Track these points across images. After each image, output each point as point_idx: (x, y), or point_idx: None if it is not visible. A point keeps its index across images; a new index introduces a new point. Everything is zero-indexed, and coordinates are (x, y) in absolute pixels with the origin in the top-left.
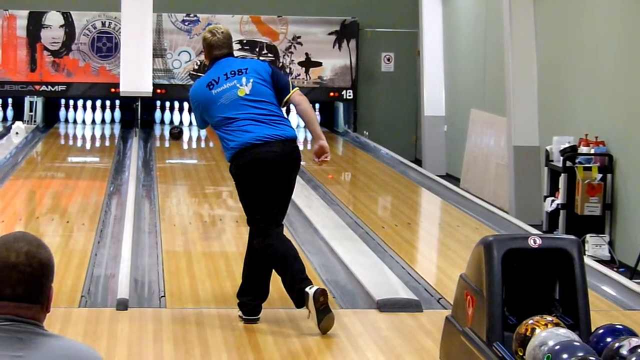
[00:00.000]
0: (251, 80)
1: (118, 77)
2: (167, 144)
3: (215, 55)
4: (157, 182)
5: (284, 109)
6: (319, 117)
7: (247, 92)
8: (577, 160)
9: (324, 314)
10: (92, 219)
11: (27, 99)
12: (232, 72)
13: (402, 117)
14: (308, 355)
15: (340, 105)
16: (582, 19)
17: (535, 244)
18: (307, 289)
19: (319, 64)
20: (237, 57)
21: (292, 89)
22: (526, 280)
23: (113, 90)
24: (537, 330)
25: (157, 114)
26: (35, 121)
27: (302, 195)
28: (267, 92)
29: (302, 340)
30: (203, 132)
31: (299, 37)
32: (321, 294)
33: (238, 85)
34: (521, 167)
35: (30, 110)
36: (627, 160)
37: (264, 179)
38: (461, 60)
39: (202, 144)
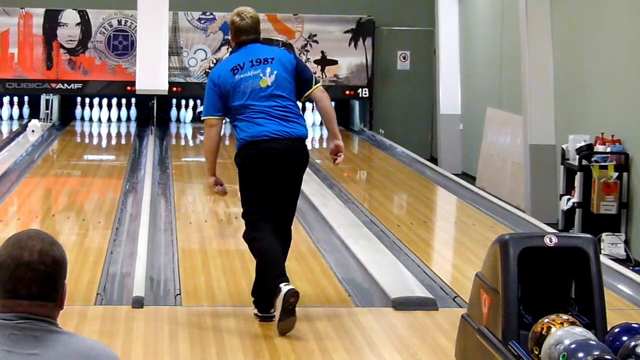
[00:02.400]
0: (275, 72)
1: (134, 75)
2: (182, 142)
3: (242, 40)
4: (173, 180)
5: (300, 104)
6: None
7: (269, 84)
8: (593, 159)
9: (288, 314)
10: (108, 217)
11: (43, 97)
12: (258, 60)
13: (418, 115)
14: (324, 353)
15: (356, 104)
16: (599, 17)
17: (551, 242)
18: (281, 285)
19: (335, 62)
20: (264, 43)
21: (315, 84)
22: (542, 279)
23: (129, 88)
24: (553, 329)
25: (173, 112)
26: (51, 119)
27: (318, 193)
28: (288, 86)
29: (318, 338)
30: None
31: (314, 35)
32: (293, 294)
33: (262, 75)
34: (537, 165)
35: (47, 108)
36: None
37: (266, 174)
38: (477, 59)
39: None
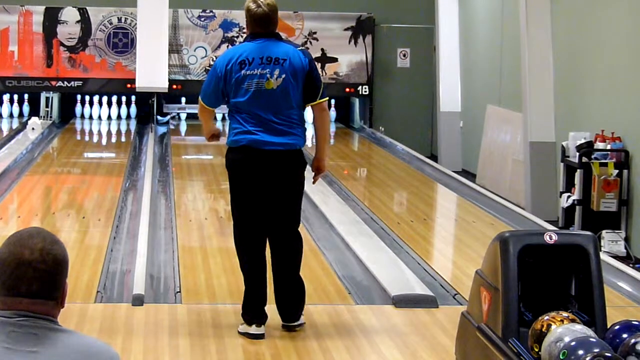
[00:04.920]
0: (283, 76)
1: (134, 72)
2: (183, 140)
3: (256, 32)
4: (173, 178)
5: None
6: (334, 114)
7: (274, 87)
8: (593, 156)
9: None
10: (108, 215)
11: (43, 95)
12: (269, 59)
13: (418, 112)
14: (324, 351)
15: (356, 101)
16: (598, 14)
17: (551, 240)
18: (254, 325)
19: (335, 60)
20: (280, 39)
21: (321, 97)
22: (542, 277)
23: (129, 85)
24: (553, 327)
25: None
26: (51, 117)
27: (317, 191)
28: (295, 92)
29: (318, 336)
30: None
31: (314, 33)
32: (256, 339)
33: (269, 75)
34: (537, 163)
35: (47, 106)
36: None
37: (251, 181)
38: (477, 56)
39: (220, 140)
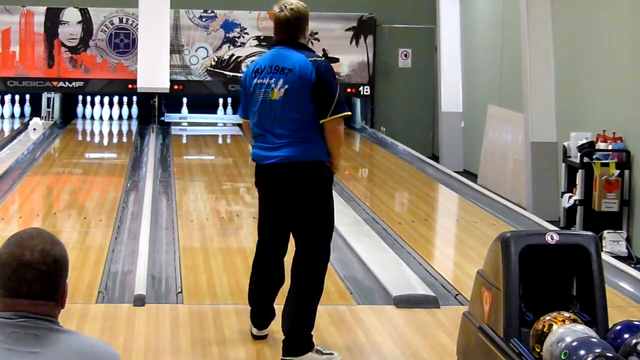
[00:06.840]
0: (286, 87)
1: (135, 73)
2: (184, 140)
3: (277, 38)
4: (175, 178)
5: None
6: None
7: (277, 98)
8: (594, 156)
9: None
10: (109, 215)
11: (44, 95)
12: (277, 68)
13: (420, 113)
14: None
15: (358, 101)
16: (600, 14)
17: (552, 240)
18: (255, 328)
19: (337, 60)
20: (298, 47)
21: (331, 115)
22: (543, 277)
23: (130, 86)
24: (555, 327)
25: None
26: (52, 117)
27: None
28: (299, 104)
29: (319, 336)
30: (221, 130)
31: (316, 33)
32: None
33: (273, 85)
34: (538, 163)
35: (48, 107)
36: None
37: (264, 197)
38: (478, 56)
39: (220, 140)
